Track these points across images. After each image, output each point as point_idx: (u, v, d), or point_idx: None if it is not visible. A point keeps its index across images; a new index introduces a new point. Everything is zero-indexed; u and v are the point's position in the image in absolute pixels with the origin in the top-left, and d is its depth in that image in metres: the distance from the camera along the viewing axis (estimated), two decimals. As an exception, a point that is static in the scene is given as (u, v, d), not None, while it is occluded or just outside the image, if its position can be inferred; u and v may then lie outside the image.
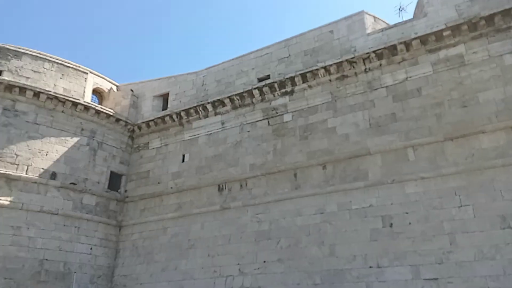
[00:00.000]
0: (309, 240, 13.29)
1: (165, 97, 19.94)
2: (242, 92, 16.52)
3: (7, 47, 17.04)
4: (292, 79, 15.57)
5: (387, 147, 13.13)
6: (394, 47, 14.01)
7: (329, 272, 12.48)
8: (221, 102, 17.10)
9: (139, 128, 19.37)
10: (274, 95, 16.05)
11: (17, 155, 15.66)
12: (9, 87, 15.98)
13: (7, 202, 14.88)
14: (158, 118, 18.71)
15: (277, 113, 15.79)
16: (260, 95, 16.28)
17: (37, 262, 14.79)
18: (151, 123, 18.99)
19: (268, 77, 16.61)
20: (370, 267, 11.94)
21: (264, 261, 13.78)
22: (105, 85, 19.96)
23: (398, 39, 14.00)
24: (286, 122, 15.44)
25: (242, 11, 51.96)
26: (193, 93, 18.70)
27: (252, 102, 16.49)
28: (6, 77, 16.34)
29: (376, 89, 14.18)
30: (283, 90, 15.85)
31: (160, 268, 15.87)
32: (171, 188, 17.31)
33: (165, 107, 19.70)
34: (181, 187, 17.03)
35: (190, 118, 17.99)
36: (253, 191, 15.16)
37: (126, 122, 19.10)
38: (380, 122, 13.63)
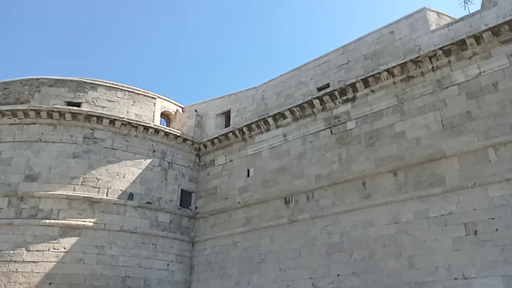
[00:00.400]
0: (385, 252, 12.67)
1: (227, 114, 20.48)
2: (302, 103, 16.41)
3: (84, 80, 18.69)
4: (353, 85, 15.17)
5: (465, 149, 12.18)
6: (462, 41, 13.08)
7: (410, 286, 11.75)
8: (282, 115, 17.13)
9: (205, 146, 20.03)
10: (335, 103, 15.74)
11: (98, 179, 16.95)
12: (88, 117, 17.45)
13: (91, 223, 16.10)
14: (222, 135, 19.22)
15: (339, 121, 15.43)
16: (320, 105, 16.06)
17: (120, 279, 15.73)
18: (215, 141, 19.56)
19: (327, 85, 16.35)
20: (455, 278, 11.05)
21: (338, 275, 13.36)
22: (171, 108, 21.02)
23: (466, 32, 13.06)
24: (350, 129, 15.02)
25: (298, 23, 52.11)
26: (253, 108, 18.97)
27: (313, 112, 16.31)
28: (85, 108, 17.89)
29: (447, 87, 13.30)
30: (344, 98, 15.49)
31: (233, 283, 16.07)
32: (238, 203, 17.58)
33: (227, 124, 20.20)
34: (248, 202, 17.22)
35: (252, 133, 18.24)
36: (321, 203, 14.87)
37: (192, 141, 19.88)
38: (454, 122, 12.72)
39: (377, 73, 14.61)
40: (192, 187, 19.66)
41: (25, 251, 14.92)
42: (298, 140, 16.55)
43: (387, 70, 14.46)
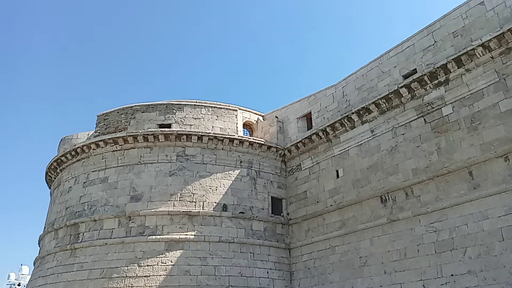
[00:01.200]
0: (504, 246, 11.28)
1: (308, 117, 20.20)
2: (388, 94, 15.50)
3: (172, 102, 19.91)
4: (444, 67, 13.90)
5: None
6: None
7: (543, 284, 10.26)
8: (367, 109, 16.36)
9: (289, 151, 19.95)
10: (425, 89, 14.57)
11: (193, 194, 17.80)
12: (178, 136, 18.51)
13: (192, 236, 16.91)
14: (305, 138, 18.98)
15: (433, 108, 14.23)
16: (409, 93, 15.00)
17: (224, 288, 16.21)
18: (299, 145, 19.38)
19: (414, 71, 15.22)
20: None
21: (452, 275, 12.20)
22: (252, 118, 21.39)
23: None
24: (447, 115, 13.76)
25: (371, 11, 50.02)
26: (335, 106, 18.45)
27: (401, 102, 15.29)
28: (175, 128, 19.01)
29: (559, 53, 11.52)
30: (435, 82, 14.26)
31: (336, 288, 15.60)
32: (331, 205, 17.11)
33: (309, 126, 19.92)
34: (340, 204, 16.68)
35: (337, 132, 17.70)
36: (422, 198, 13.79)
37: (276, 148, 19.95)
38: None
39: (471, 49, 13.22)
40: (281, 194, 19.68)
41: (137, 267, 16.15)
42: (387, 134, 15.63)
43: (482, 45, 13.02)
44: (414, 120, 14.80)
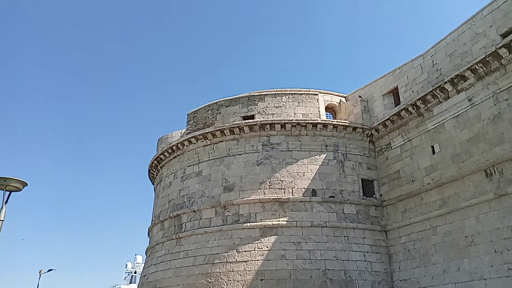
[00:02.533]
0: None
1: (394, 92, 19.14)
2: (485, 57, 13.96)
3: (253, 94, 20.42)
4: (553, 17, 12.10)
5: None
6: None
7: None
8: (462, 77, 14.94)
9: (377, 130, 19.15)
10: (531, 46, 12.83)
11: (281, 181, 18.12)
12: (262, 126, 18.94)
13: (285, 222, 17.26)
14: (394, 115, 18.03)
15: (542, 65, 12.50)
16: (509, 53, 13.34)
17: (321, 272, 16.30)
18: (387, 123, 18.49)
19: (515, 28, 13.49)
20: None
21: None
22: (334, 100, 20.95)
23: None
24: (561, 72, 11.97)
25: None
26: (424, 78, 17.18)
27: (501, 64, 13.67)
28: (258, 118, 19.47)
29: None
30: (543, 36, 12.49)
31: (440, 270, 14.70)
32: (428, 184, 16.08)
33: (397, 102, 18.86)
34: (439, 181, 15.58)
35: (429, 105, 16.49)
36: (537, 168, 12.26)
37: (362, 128, 19.30)
38: None
39: None
40: (372, 175, 19.04)
41: (235, 252, 17.02)
42: (488, 101, 14.13)
43: None
44: (519, 82, 13.15)
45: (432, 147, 16.29)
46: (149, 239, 22.72)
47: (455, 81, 15.18)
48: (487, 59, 13.96)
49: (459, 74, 14.93)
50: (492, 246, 13.08)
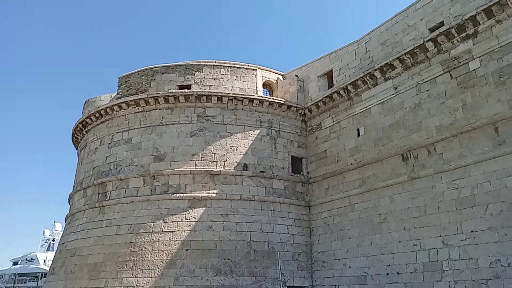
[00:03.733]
0: (529, 203, 11.11)
1: (329, 75, 19.80)
2: (413, 49, 14.91)
3: (191, 63, 19.84)
4: (473, 18, 13.17)
5: None
6: None
7: None
8: (390, 65, 15.85)
9: (310, 110, 19.78)
10: (452, 43, 13.92)
11: (214, 154, 18.09)
12: (198, 96, 18.57)
13: (214, 194, 17.37)
14: (326, 97, 18.71)
15: (460, 62, 13.65)
16: (435, 47, 14.39)
17: (246, 244, 16.81)
18: (320, 104, 19.15)
19: (441, 24, 14.50)
20: None
21: (472, 231, 12.22)
22: (272, 77, 21.14)
23: None
24: (474, 70, 13.20)
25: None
26: (357, 63, 17.95)
27: (427, 56, 14.71)
28: (194, 89, 19.04)
29: None
30: (463, 35, 13.59)
31: (355, 244, 15.92)
32: (351, 164, 17.11)
33: (331, 84, 19.56)
34: (361, 162, 16.64)
35: (359, 90, 17.34)
36: (445, 155, 13.59)
37: (296, 107, 19.80)
38: None
39: (503, -1, 12.42)
40: (301, 153, 19.76)
41: (162, 223, 16.85)
42: (411, 91, 15.21)
43: (516, -7, 12.19)
44: (439, 75, 14.29)
45: (358, 130, 17.26)
46: (69, 206, 21.59)
47: (384, 69, 16.07)
48: (415, 50, 14.92)
49: (388, 62, 15.82)
50: (401, 224, 14.39)
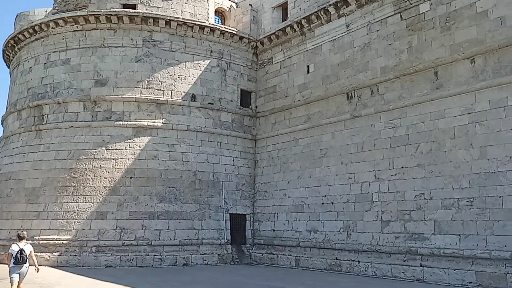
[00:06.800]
0: (454, 143, 12.16)
1: (284, 7, 19.20)
2: (369, -14, 14.75)
3: (136, -20, 18.16)
4: (427, -41, 13.12)
5: (562, 26, 10.49)
6: None
7: (479, 176, 11.38)
8: (345, 2, 15.65)
9: (262, 43, 19.38)
10: (406, -16, 13.91)
11: (161, 82, 17.43)
12: (145, 19, 17.31)
13: (161, 124, 17.05)
14: (279, 30, 18.32)
15: (411, 4, 13.77)
16: (389, -13, 14.32)
17: (191, 173, 17.04)
18: (272, 37, 18.77)
19: (398, -38, 14.33)
20: (533, 169, 10.44)
21: (402, 167, 13.27)
22: (225, 4, 20.14)
23: None
24: (423, 13, 13.43)
25: None
26: (313, -3, 17.49)
27: (381, -4, 14.66)
28: (140, 9, 17.65)
29: (548, -49, 11.04)
30: (417, -25, 13.59)
31: (296, 176, 16.75)
32: (299, 100, 17.39)
33: (285, 18, 19.07)
34: (308, 99, 16.96)
35: (312, 25, 17.12)
36: (386, 96, 14.20)
37: (249, 39, 19.26)
38: (551, -6, 10.79)
39: None
40: (251, 87, 19.65)
41: (105, 150, 16.43)
42: (362, 30, 15.29)
43: None
44: (390, 16, 14.41)
45: (308, 66, 17.32)
46: (3, 128, 20.24)
47: (338, 5, 15.85)
48: (370, -12, 14.75)
49: (343, -2, 15.59)
50: (340, 159, 15.24)
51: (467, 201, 11.52)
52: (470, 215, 11.42)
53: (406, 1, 13.92)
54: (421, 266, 12.08)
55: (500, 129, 11.22)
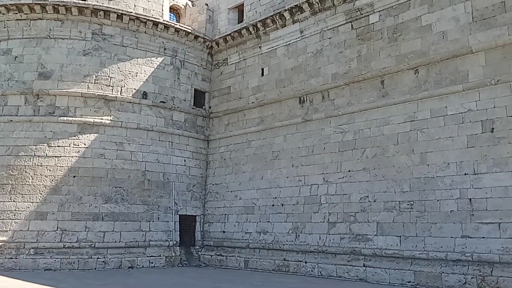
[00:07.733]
0: (397, 149, 12.77)
1: (240, 9, 19.23)
2: (322, -6, 15.15)
3: (87, -30, 17.39)
4: (379, -28, 13.73)
5: (493, 43, 11.37)
6: None
7: (419, 180, 12.05)
8: (299, 8, 15.97)
9: (217, 44, 19.28)
10: (358, -6, 14.47)
11: (110, 77, 16.78)
12: (95, 11, 16.57)
13: (108, 121, 16.41)
14: (235, 31, 18.31)
15: (362, 14, 14.34)
16: (342, -5, 14.81)
17: (140, 173, 16.54)
18: (228, 38, 18.73)
19: (350, -27, 14.86)
20: (466, 174, 11.21)
21: (349, 171, 13.73)
22: (181, 2, 19.83)
23: None
24: (373, 23, 14.01)
25: None
26: (268, 1, 17.66)
27: (334, 4, 15.10)
28: (91, 1, 16.91)
29: (484, -27, 11.94)
30: (368, -13, 14.17)
31: (247, 178, 16.80)
32: (252, 102, 17.48)
33: (241, 19, 19.11)
34: (262, 101, 17.10)
35: (267, 29, 17.28)
36: (336, 102, 14.64)
37: (204, 38, 19.08)
38: (485, 14, 11.67)
39: (407, -43, 13.09)
40: (205, 87, 19.47)
41: (46, 146, 15.53)
42: (315, 37, 15.68)
43: (419, -46, 12.92)
44: (342, 24, 14.89)
45: (262, 69, 17.47)
46: None
47: (293, 10, 16.14)
48: (323, -4, 15.17)
49: (298, 5, 15.89)
50: (291, 162, 15.49)
51: (408, 204, 12.14)
52: (410, 218, 12.05)
53: (357, 11, 14.46)
54: (364, 266, 12.55)
55: (440, 136, 11.94)
